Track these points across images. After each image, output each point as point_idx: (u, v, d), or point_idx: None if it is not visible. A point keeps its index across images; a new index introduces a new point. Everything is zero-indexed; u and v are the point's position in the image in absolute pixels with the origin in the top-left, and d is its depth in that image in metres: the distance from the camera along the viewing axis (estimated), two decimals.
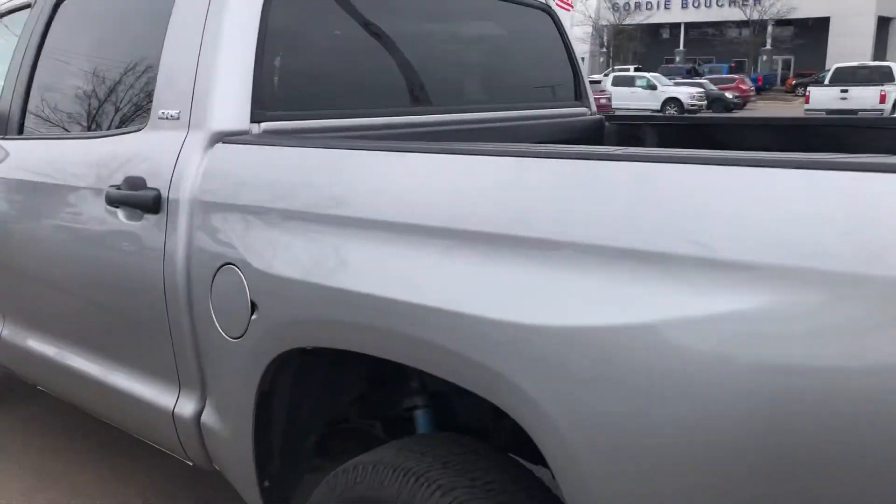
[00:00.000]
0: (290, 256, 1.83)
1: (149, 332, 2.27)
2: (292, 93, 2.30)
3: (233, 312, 1.97)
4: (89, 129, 2.63)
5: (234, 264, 1.96)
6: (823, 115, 22.30)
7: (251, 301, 1.92)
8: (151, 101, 2.32)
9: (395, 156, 1.69)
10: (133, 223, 2.24)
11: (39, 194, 2.66)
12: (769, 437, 1.16)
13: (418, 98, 2.63)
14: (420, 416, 2.06)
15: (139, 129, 2.34)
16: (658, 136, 3.28)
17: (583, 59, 58.75)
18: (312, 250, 1.78)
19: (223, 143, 2.10)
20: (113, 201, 2.27)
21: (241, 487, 2.17)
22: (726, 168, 1.24)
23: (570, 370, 1.33)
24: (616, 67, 47.32)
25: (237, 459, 2.12)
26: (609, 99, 25.99)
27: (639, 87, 32.36)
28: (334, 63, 2.43)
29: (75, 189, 2.48)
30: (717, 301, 1.20)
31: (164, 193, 2.15)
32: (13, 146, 2.90)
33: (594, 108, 3.43)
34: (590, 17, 50.64)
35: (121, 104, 2.51)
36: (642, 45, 55.11)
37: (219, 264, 2.01)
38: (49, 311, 2.73)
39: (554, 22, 3.22)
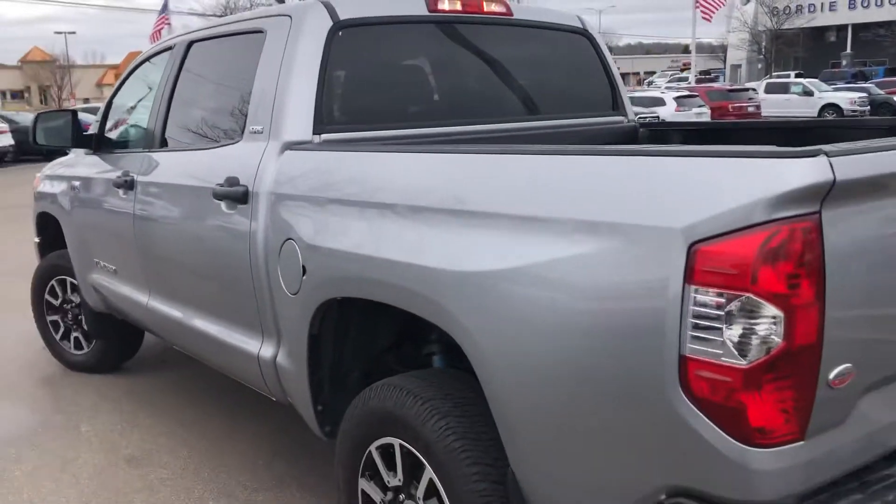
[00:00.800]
0: (324, 231, 2.49)
1: (241, 294, 2.98)
2: (345, 111, 2.97)
3: (292, 275, 2.65)
4: (206, 141, 3.40)
5: (292, 239, 2.64)
6: None
7: (303, 265, 2.59)
8: (246, 120, 3.05)
9: (384, 156, 2.32)
10: (230, 212, 2.97)
11: (173, 193, 3.47)
12: (597, 330, 1.69)
13: (455, 112, 3.23)
14: (436, 360, 2.65)
15: (237, 142, 3.08)
16: (684, 139, 3.71)
17: (739, 66, 56.87)
18: (337, 226, 2.44)
19: (290, 149, 2.79)
20: (217, 195, 3.01)
21: (302, 412, 2.84)
22: (572, 157, 1.78)
23: (478, 298, 1.91)
24: (774, 74, 45.57)
25: (299, 390, 2.79)
26: (758, 107, 25.34)
27: (794, 93, 31.16)
28: (380, 87, 3.09)
29: (194, 188, 3.25)
30: (561, 248, 1.74)
31: (250, 188, 2.87)
32: (158, 157, 3.73)
33: (631, 116, 3.89)
34: (745, 23, 49.06)
35: (227, 123, 3.26)
36: (804, 50, 52.73)
37: (283, 240, 2.69)
38: (176, 282, 3.54)
39: (591, 43, 3.73)
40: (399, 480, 2.36)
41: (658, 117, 22.17)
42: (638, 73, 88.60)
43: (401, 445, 2.32)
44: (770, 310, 1.46)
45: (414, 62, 3.27)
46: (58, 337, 5.23)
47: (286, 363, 2.83)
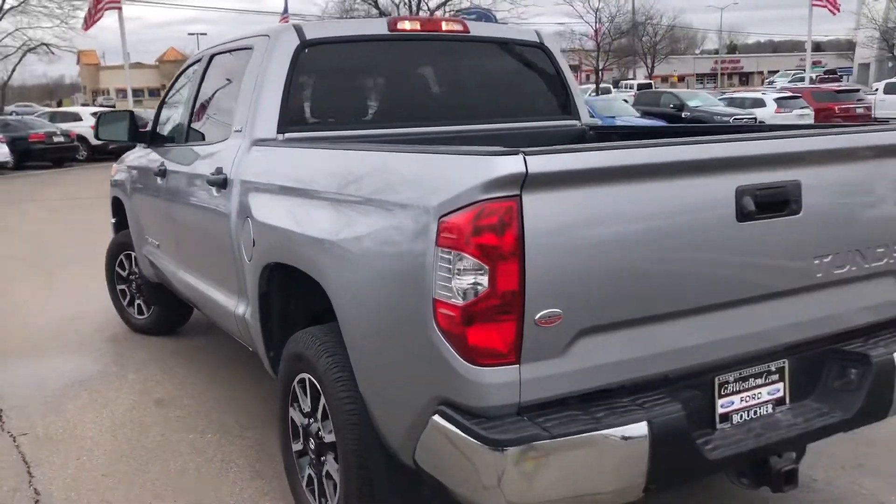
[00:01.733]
0: (264, 210, 3.17)
1: (226, 263, 3.69)
2: (308, 114, 3.63)
3: (249, 245, 3.33)
4: (211, 137, 4.14)
5: (249, 217, 3.32)
6: None
7: (253, 238, 3.26)
8: (234, 121, 3.76)
9: (295, 151, 2.98)
10: (217, 195, 3.68)
11: (186, 179, 4.23)
12: (392, 280, 2.28)
13: (408, 116, 3.84)
14: None
15: (226, 139, 3.79)
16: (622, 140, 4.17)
17: (868, 65, 54.17)
18: (270, 206, 3.10)
19: (255, 145, 3.48)
20: (209, 182, 3.73)
21: (261, 356, 3.52)
22: (379, 153, 2.37)
23: (334, 258, 2.54)
24: None
25: (257, 339, 3.47)
26: (868, 108, 24.48)
27: None
28: (340, 94, 3.75)
29: (199, 175, 3.99)
30: (375, 221, 2.34)
31: (228, 177, 3.57)
32: (183, 150, 4.51)
33: (585, 119, 4.36)
34: (873, 19, 46.83)
35: (224, 123, 3.98)
36: None
37: (245, 217, 3.38)
38: (192, 254, 4.30)
39: (548, 56, 4.24)
40: (309, 407, 3.00)
41: (755, 119, 21.86)
42: (762, 73, 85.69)
43: (309, 379, 2.96)
44: (478, 264, 2.01)
45: (372, 74, 3.90)
46: (124, 303, 6.15)
47: (249, 318, 3.51)
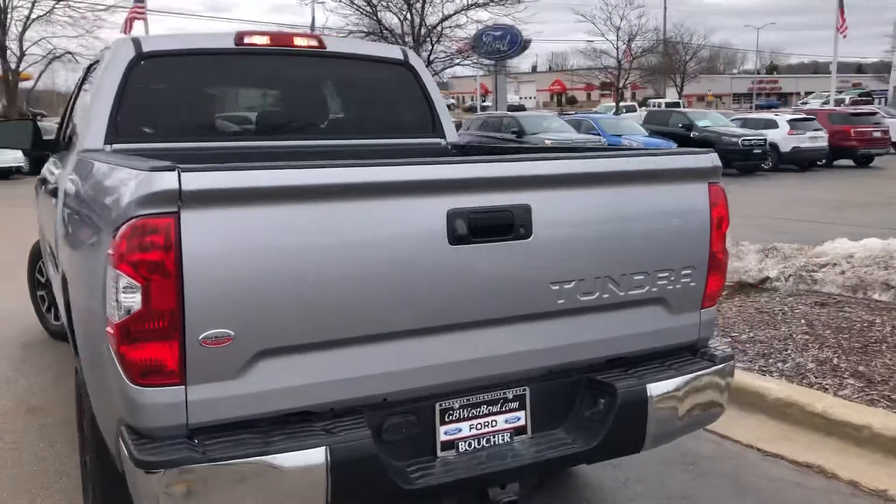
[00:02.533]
0: (60, 220, 3.16)
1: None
2: (138, 126, 3.63)
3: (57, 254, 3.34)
4: (65, 148, 4.16)
5: (63, 223, 3.32)
6: None
7: (56, 248, 3.27)
8: (77, 133, 3.78)
9: (88, 162, 2.98)
10: (55, 202, 3.69)
11: (47, 187, 4.27)
12: (90, 292, 2.25)
13: (242, 131, 3.82)
14: None
15: (72, 150, 3.80)
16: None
17: (894, 88, 53.12)
18: (63, 216, 3.10)
19: (79, 156, 3.48)
20: (49, 192, 3.75)
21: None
22: (99, 164, 2.35)
23: (68, 269, 2.51)
24: None
25: (73, 349, 3.47)
26: (885, 132, 23.91)
27: None
28: (173, 107, 3.73)
29: (51, 183, 4.01)
30: (86, 233, 2.32)
31: (59, 187, 3.58)
32: (57, 158, 4.53)
33: (451, 138, 4.29)
34: None
35: (74, 134, 4.00)
36: None
37: (60, 223, 3.38)
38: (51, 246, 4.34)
39: (413, 74, 4.18)
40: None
41: (765, 140, 21.51)
42: (799, 94, 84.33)
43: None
44: (131, 282, 1.97)
45: (213, 88, 3.88)
46: (44, 309, 6.20)
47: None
